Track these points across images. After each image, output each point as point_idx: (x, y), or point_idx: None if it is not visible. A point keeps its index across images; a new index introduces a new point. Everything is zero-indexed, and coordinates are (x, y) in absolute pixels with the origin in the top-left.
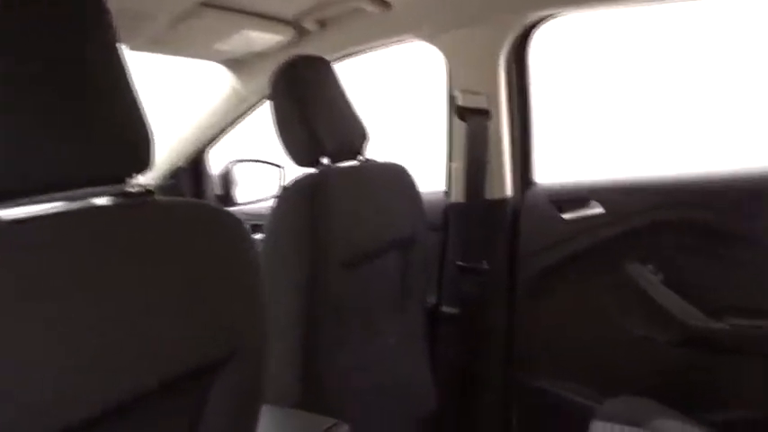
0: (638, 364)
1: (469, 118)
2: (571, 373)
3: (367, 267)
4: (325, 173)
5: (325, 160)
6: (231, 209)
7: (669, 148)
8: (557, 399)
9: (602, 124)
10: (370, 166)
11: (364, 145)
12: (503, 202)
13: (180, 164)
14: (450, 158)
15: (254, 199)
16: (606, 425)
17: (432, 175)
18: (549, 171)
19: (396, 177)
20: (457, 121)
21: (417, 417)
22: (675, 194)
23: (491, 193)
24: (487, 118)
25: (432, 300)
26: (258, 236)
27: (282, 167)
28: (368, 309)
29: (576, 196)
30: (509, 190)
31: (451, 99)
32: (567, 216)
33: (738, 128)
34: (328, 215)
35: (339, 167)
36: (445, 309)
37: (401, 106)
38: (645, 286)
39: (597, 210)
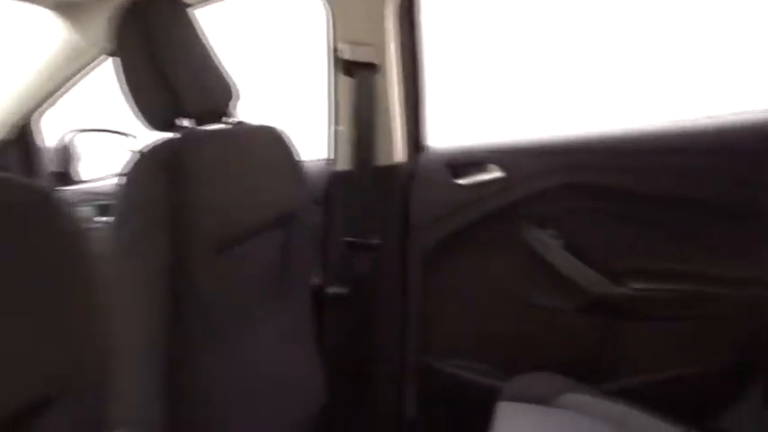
0: (544, 336)
1: (356, 73)
2: (473, 351)
3: (240, 249)
4: (186, 137)
5: (186, 122)
6: (72, 188)
7: (570, 108)
8: (459, 380)
9: (502, 83)
10: (242, 129)
11: (233, 105)
12: (394, 168)
13: (4, 136)
14: (335, 121)
15: (101, 175)
16: (512, 405)
17: (312, 141)
18: (444, 135)
19: (272, 143)
20: (342, 78)
21: (307, 413)
22: (575, 156)
23: (380, 159)
24: (375, 72)
25: (316, 281)
26: (108, 218)
27: (134, 136)
28: (243, 298)
29: (473, 160)
30: (400, 155)
31: (335, 53)
32: (463, 182)
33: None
34: (191, 187)
35: (204, 130)
36: (332, 289)
37: (275, 61)
38: (545, 253)
39: (496, 174)
